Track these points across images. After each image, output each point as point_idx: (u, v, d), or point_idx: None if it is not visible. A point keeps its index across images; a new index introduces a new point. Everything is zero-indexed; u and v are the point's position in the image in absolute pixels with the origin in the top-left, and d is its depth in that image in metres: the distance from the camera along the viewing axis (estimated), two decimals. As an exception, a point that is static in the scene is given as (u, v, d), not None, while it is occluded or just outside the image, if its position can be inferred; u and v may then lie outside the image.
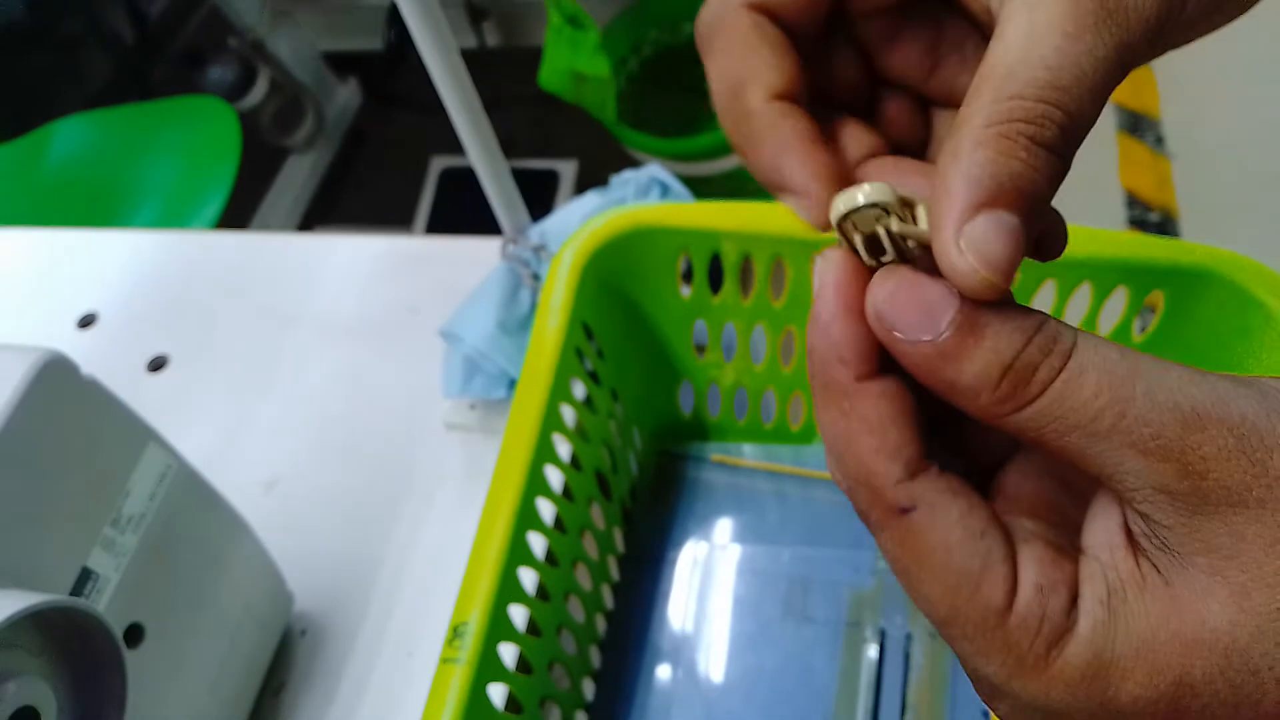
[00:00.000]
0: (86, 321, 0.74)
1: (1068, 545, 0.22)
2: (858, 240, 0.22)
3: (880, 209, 0.21)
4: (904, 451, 0.21)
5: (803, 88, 0.24)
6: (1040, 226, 0.22)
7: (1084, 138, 0.21)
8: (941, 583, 0.21)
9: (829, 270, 0.22)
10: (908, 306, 0.21)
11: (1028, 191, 0.20)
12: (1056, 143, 0.20)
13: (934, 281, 0.21)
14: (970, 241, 0.20)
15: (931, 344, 0.20)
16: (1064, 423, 0.20)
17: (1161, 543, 0.20)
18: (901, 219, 0.21)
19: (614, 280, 0.53)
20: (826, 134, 0.25)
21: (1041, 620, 0.20)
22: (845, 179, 0.23)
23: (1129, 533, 0.21)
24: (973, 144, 0.20)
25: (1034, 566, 0.21)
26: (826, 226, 0.22)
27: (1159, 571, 0.20)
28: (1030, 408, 0.20)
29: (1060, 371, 0.20)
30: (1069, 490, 0.23)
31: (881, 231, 0.21)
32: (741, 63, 0.24)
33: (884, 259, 0.22)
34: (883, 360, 0.22)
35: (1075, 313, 0.50)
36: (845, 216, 0.21)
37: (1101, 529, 0.21)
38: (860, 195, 0.21)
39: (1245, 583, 0.18)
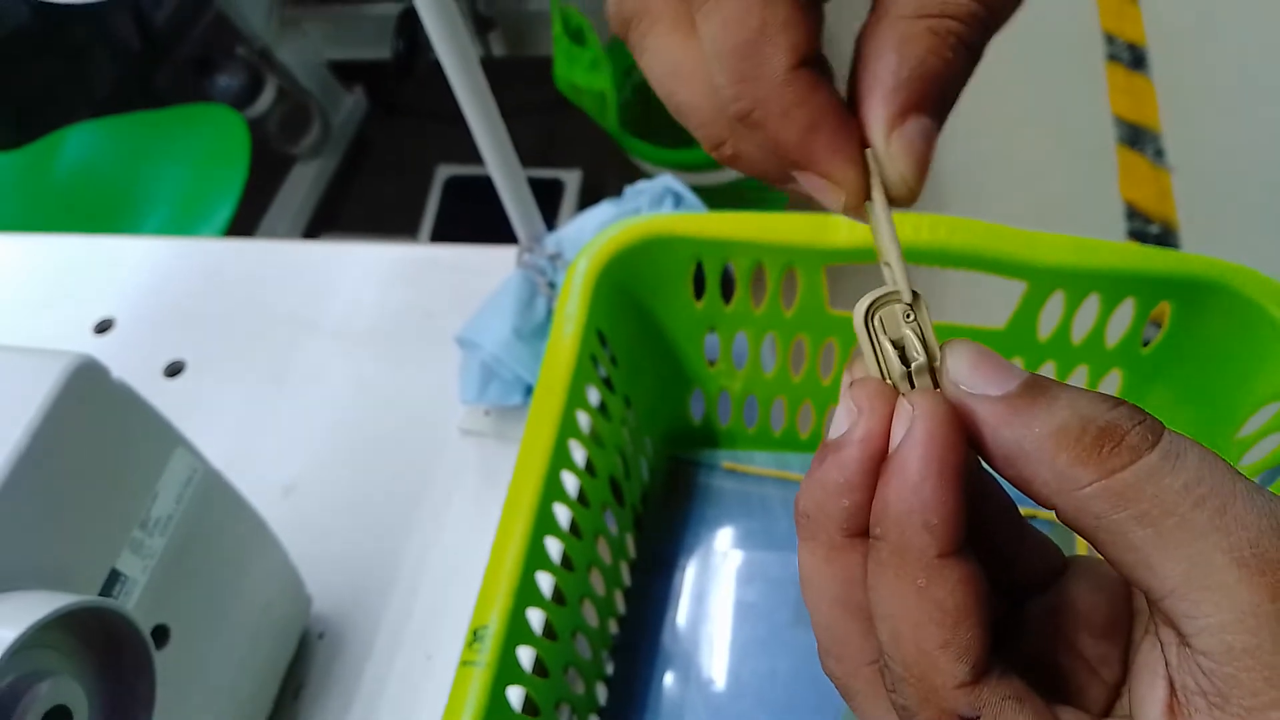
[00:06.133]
0: (103, 327, 0.75)
1: None
2: (885, 344, 0.21)
3: (904, 303, 0.21)
4: (973, 651, 0.19)
5: (820, 46, 0.20)
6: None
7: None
8: None
9: (926, 418, 0.19)
10: (979, 364, 0.20)
11: (950, 96, 0.20)
12: (979, 43, 0.20)
13: (1002, 358, 0.20)
14: (904, 144, 0.20)
15: (1003, 398, 0.19)
16: (1157, 505, 0.17)
17: (1222, 699, 0.17)
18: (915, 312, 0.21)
19: (628, 288, 0.54)
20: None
21: None
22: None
23: (1176, 710, 0.18)
24: (902, 37, 0.19)
25: None
26: (855, 211, 0.21)
27: None
28: (1117, 478, 0.18)
29: (1155, 446, 0.18)
30: (1106, 640, 0.22)
31: (910, 333, 0.21)
32: (757, 15, 0.19)
33: (912, 365, 0.21)
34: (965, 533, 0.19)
35: (1083, 324, 0.51)
36: (871, 309, 0.21)
37: (1152, 713, 0.19)
38: (882, 290, 0.21)
39: None
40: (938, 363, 0.21)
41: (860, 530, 0.20)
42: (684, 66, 0.21)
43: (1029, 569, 0.23)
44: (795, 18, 0.19)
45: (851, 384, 0.21)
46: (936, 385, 0.21)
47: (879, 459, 0.20)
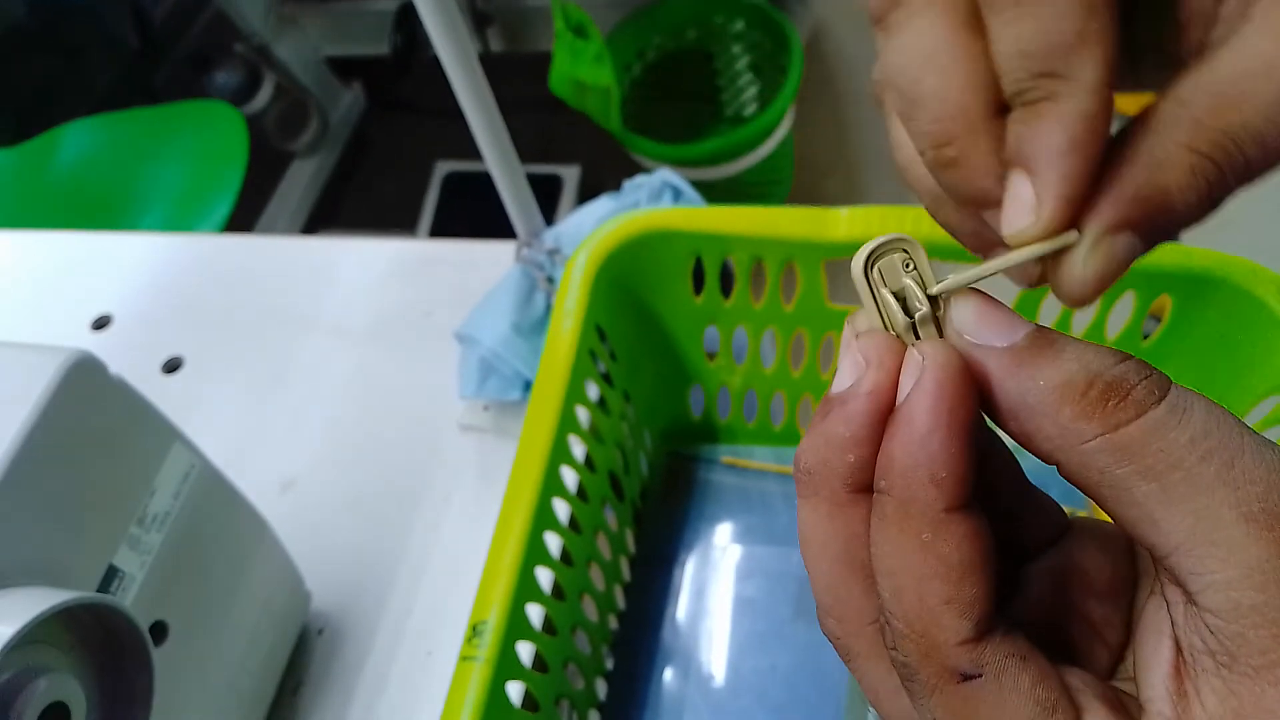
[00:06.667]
0: (101, 324, 0.75)
1: (1114, 697, 0.19)
2: (887, 295, 0.21)
3: (906, 254, 0.21)
4: (977, 608, 0.18)
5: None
6: None
7: None
8: None
9: (936, 369, 0.19)
10: (985, 315, 0.19)
11: (1170, 233, 0.19)
12: (1222, 197, 0.19)
13: (1009, 308, 0.20)
14: (1105, 253, 0.19)
15: (1009, 349, 0.19)
16: (1163, 460, 0.17)
17: (1229, 658, 0.17)
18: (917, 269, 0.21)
19: (627, 283, 0.54)
20: None
21: None
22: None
23: (1183, 670, 0.18)
24: (1163, 160, 0.18)
25: None
26: (1019, 240, 0.20)
27: (1227, 707, 0.17)
28: (1121, 432, 0.17)
29: (1161, 400, 0.17)
30: (1109, 602, 0.22)
31: (911, 283, 0.20)
32: (1077, 20, 0.18)
33: (916, 316, 0.20)
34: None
35: (1083, 317, 0.50)
36: (871, 260, 0.21)
37: (1157, 676, 0.19)
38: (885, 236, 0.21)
39: None
40: (941, 313, 0.20)
41: (864, 485, 0.20)
42: (944, 56, 0.20)
43: (1032, 529, 0.23)
44: (1112, 36, 0.18)
45: (857, 336, 0.21)
46: (941, 335, 0.20)
47: (886, 412, 0.20)
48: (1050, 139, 0.19)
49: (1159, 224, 0.19)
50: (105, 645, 0.37)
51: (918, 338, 0.20)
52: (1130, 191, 0.18)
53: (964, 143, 0.20)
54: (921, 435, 0.18)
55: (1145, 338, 0.51)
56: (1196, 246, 0.46)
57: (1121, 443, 0.17)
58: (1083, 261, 0.19)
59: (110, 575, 0.40)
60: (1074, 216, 0.19)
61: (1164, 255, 0.46)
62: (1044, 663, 0.19)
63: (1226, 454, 0.17)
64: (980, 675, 0.18)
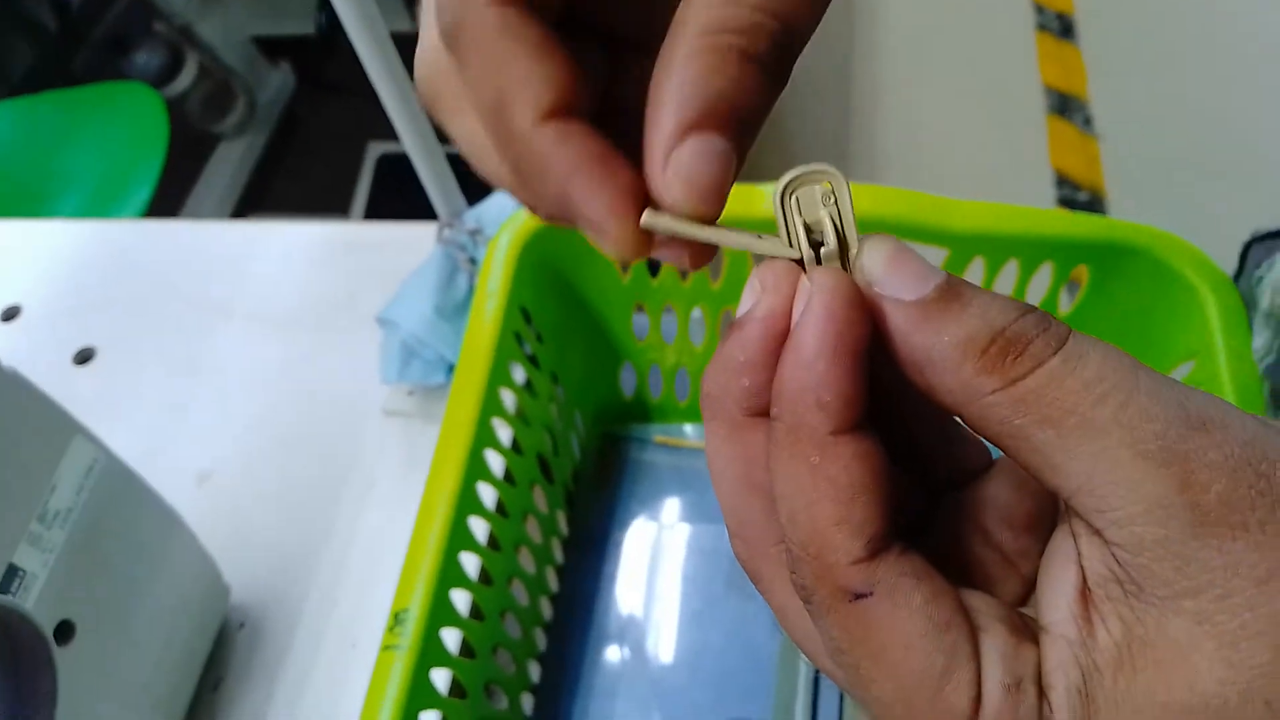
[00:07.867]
0: (9, 314, 0.72)
1: (1017, 620, 0.19)
2: (798, 224, 0.20)
3: (827, 183, 0.20)
4: (868, 528, 0.18)
5: (584, 95, 0.20)
6: (749, 145, 0.20)
7: (800, 51, 0.20)
8: (896, 683, 0.18)
9: (824, 294, 0.19)
10: (894, 265, 0.19)
11: (737, 112, 0.19)
12: (769, 58, 0.19)
13: (922, 258, 0.19)
14: (677, 168, 0.18)
15: (916, 303, 0.18)
16: (1058, 407, 0.17)
17: (1137, 588, 0.17)
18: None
19: (552, 264, 0.53)
20: (621, 143, 0.20)
21: None
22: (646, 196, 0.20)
23: (1089, 596, 0.18)
24: (684, 56, 0.18)
25: (998, 661, 0.18)
26: (637, 255, 0.20)
27: (1133, 634, 0.17)
28: (1019, 385, 0.18)
29: (1058, 351, 0.18)
30: (1028, 534, 0.22)
31: (826, 216, 0.20)
32: (497, 76, 0.19)
33: (823, 249, 0.20)
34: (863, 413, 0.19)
35: (1003, 288, 0.51)
36: (789, 189, 0.20)
37: (1062, 600, 0.19)
38: (807, 166, 0.20)
39: (1234, 631, 0.16)
40: (852, 252, 0.20)
41: (761, 409, 0.20)
42: (478, 139, 0.21)
43: (954, 465, 0.23)
44: (535, 73, 0.19)
45: (760, 263, 0.20)
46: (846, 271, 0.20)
47: (780, 338, 0.19)
48: (545, 194, 0.20)
49: (720, 113, 0.18)
50: (5, 646, 0.35)
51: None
52: (669, 100, 0.18)
53: (526, 199, 0.21)
54: (807, 360, 0.18)
55: (1067, 306, 0.52)
56: (1111, 218, 0.47)
57: (1018, 395, 0.18)
58: (663, 191, 0.19)
59: (10, 575, 0.38)
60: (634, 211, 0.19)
61: (1079, 227, 0.47)
62: (940, 582, 0.19)
63: (1121, 395, 0.17)
64: (872, 594, 0.18)
